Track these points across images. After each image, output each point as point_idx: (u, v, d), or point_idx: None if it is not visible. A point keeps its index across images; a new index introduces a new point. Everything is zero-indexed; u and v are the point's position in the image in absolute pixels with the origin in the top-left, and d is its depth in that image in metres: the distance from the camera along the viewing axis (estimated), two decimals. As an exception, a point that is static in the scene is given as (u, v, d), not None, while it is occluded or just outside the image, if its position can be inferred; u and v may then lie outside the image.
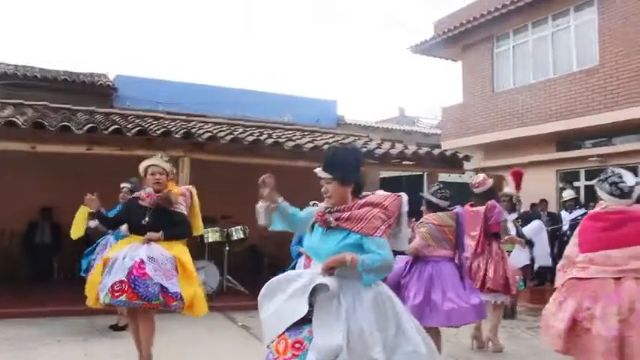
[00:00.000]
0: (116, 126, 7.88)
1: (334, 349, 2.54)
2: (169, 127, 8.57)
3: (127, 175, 6.61)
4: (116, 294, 4.20)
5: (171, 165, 4.72)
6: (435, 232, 4.85)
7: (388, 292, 2.88)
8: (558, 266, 3.86)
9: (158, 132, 8.01)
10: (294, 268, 6.78)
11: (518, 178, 8.76)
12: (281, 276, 2.96)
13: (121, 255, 4.34)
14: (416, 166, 10.35)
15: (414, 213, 4.47)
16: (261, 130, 10.32)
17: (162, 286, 4.20)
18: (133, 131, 7.85)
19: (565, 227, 9.58)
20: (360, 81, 48.55)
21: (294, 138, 9.51)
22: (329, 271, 2.71)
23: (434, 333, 4.34)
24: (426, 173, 10.72)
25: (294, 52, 47.99)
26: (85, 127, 7.59)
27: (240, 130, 9.86)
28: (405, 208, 2.92)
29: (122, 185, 6.71)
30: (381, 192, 3.01)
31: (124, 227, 6.30)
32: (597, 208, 3.73)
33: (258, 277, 7.94)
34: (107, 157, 7.99)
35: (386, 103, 53.01)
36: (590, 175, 11.86)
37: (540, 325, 3.86)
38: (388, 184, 12.93)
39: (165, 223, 4.44)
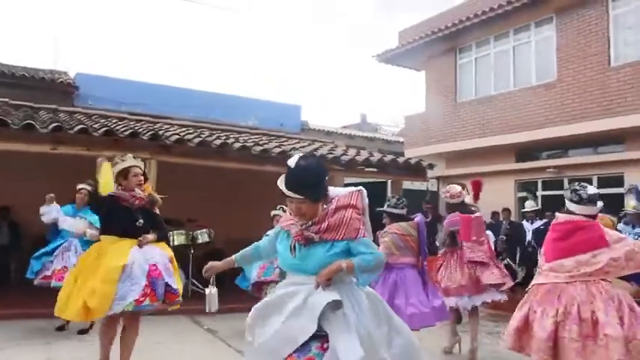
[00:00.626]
0: (82, 126, 7.76)
1: None
2: (136, 128, 8.48)
3: (92, 175, 6.53)
4: (141, 299, 4.17)
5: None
6: (398, 241, 5.21)
7: (373, 290, 2.96)
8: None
9: (125, 133, 7.92)
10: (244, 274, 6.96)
11: (477, 187, 9.00)
12: (270, 298, 2.89)
13: (132, 261, 4.22)
14: (380, 174, 10.52)
15: (376, 223, 4.61)
16: (228, 134, 10.32)
17: (167, 284, 4.30)
18: (100, 132, 7.75)
19: (529, 237, 9.91)
20: (323, 87, 48.83)
21: (261, 142, 9.54)
22: (327, 282, 2.67)
23: None
24: (390, 180, 10.92)
25: (258, 55, 47.90)
26: (50, 126, 7.44)
27: (207, 133, 9.84)
28: (366, 200, 2.92)
29: (81, 187, 6.63)
30: (338, 189, 2.97)
31: (88, 231, 6.21)
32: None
33: (221, 280, 7.91)
34: (70, 156, 7.84)
35: (348, 110, 53.35)
36: (547, 185, 12.33)
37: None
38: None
39: (154, 224, 4.49)
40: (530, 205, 10.01)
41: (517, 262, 9.97)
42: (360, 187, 2.94)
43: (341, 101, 47.43)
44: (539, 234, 9.12)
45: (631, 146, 10.68)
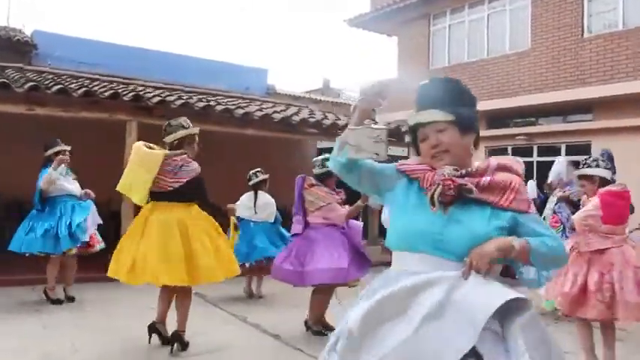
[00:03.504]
0: (60, 86, 7.39)
1: None
2: (116, 89, 8.15)
3: (69, 138, 6.24)
4: None
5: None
6: None
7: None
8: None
9: (106, 94, 7.61)
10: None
11: None
12: (383, 295, 1.71)
13: None
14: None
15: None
16: (201, 97, 10.05)
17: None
18: (79, 92, 7.41)
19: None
20: (287, 52, 48.19)
21: (242, 105, 9.36)
22: (489, 267, 1.69)
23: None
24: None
25: (223, 18, 46.59)
26: (26, 86, 7.06)
27: (186, 96, 9.55)
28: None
29: (66, 148, 6.20)
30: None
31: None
32: (615, 187, 4.17)
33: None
34: (46, 118, 7.49)
35: (311, 75, 52.80)
36: (517, 152, 12.63)
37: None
38: (327, 154, 13.10)
39: None
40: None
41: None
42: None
43: (304, 66, 47.01)
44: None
45: (599, 116, 11.05)
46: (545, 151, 12.27)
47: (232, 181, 7.50)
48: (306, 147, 13.04)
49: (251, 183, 6.81)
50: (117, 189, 4.32)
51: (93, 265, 5.91)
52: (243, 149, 10.02)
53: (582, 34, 10.88)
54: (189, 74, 14.76)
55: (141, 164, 4.19)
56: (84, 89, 7.51)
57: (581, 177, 4.35)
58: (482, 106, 12.28)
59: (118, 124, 7.84)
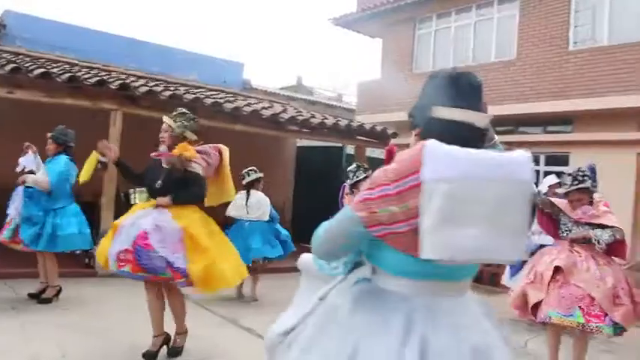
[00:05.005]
0: (43, 69, 7.02)
1: None
2: (102, 76, 7.79)
3: (52, 125, 5.92)
4: (121, 264, 3.83)
5: (185, 126, 4.07)
6: None
7: None
8: None
9: (91, 81, 7.27)
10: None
11: (389, 155, 9.15)
12: None
13: (129, 222, 3.92)
14: (345, 139, 10.43)
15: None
16: (187, 89, 9.78)
17: (167, 260, 3.80)
18: (64, 77, 7.04)
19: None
20: (262, 48, 47.66)
21: (230, 100, 9.12)
22: None
23: None
24: (354, 147, 10.87)
25: (200, 9, 45.74)
26: (8, 67, 6.66)
27: (173, 87, 9.25)
28: (441, 173, 1.60)
29: (50, 135, 5.90)
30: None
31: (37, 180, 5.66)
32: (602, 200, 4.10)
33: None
34: (26, 102, 7.09)
35: (283, 72, 52.32)
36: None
37: None
38: (305, 154, 12.96)
39: (179, 185, 4.03)
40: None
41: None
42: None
43: (278, 63, 46.63)
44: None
45: (579, 128, 11.23)
46: (524, 160, 12.40)
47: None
48: (287, 145, 12.87)
49: (244, 182, 6.61)
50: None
51: (70, 261, 5.61)
52: (231, 146, 9.76)
53: (567, 47, 11.02)
54: (164, 64, 14.37)
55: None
56: (68, 74, 7.15)
57: (582, 190, 4.29)
58: (464, 112, 12.40)
59: (102, 112, 7.50)
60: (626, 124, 10.44)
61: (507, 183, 1.41)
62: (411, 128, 1.71)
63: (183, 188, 4.02)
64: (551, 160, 11.72)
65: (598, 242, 3.83)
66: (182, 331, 4.29)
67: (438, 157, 1.39)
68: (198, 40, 44.93)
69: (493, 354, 1.52)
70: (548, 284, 3.82)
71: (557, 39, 11.14)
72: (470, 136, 1.55)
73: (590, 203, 4.13)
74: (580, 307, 3.70)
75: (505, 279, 6.68)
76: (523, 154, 1.48)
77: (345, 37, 61.41)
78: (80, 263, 7.24)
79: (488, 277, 8.47)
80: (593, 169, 5.72)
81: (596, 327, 3.66)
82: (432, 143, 1.42)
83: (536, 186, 7.21)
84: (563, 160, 11.28)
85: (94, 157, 4.29)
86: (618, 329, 3.71)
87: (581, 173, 4.27)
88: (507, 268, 6.73)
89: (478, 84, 1.64)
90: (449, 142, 1.44)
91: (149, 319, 4.21)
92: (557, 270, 3.88)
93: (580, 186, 4.25)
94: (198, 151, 4.02)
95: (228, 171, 4.32)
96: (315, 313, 1.70)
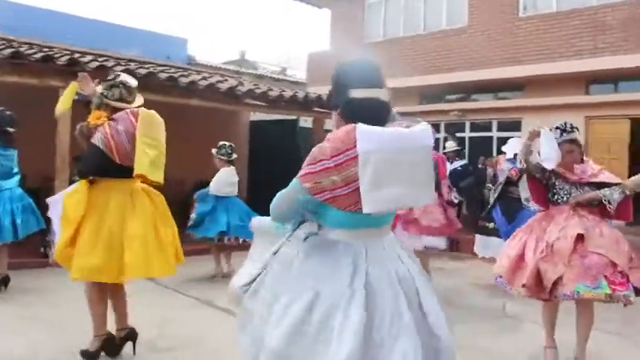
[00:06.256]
0: (-18, 45, 6.45)
1: None
2: (46, 51, 7.25)
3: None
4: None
5: (105, 95, 3.61)
6: None
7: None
8: None
9: (36, 56, 6.74)
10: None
11: None
12: None
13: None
14: (305, 111, 10.24)
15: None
16: (140, 65, 9.28)
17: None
18: (5, 53, 6.50)
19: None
20: (203, 22, 46.12)
21: (185, 74, 8.72)
22: None
23: None
24: (310, 119, 10.70)
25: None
26: (-58, 43, 6.08)
27: (118, 63, 8.75)
28: (367, 147, 1.97)
29: None
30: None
31: None
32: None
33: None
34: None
35: (227, 47, 50.78)
36: (450, 127, 12.90)
37: None
38: (259, 127, 12.68)
39: (81, 159, 3.73)
40: (450, 146, 10.31)
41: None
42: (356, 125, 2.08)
43: (219, 37, 45.25)
44: (457, 174, 9.53)
45: (530, 93, 11.49)
46: (477, 127, 12.63)
47: (180, 157, 6.96)
48: (240, 119, 12.56)
49: (231, 158, 6.49)
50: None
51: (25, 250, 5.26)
52: (187, 122, 9.43)
53: (518, 14, 11.17)
54: (104, 39, 13.64)
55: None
56: (11, 49, 6.60)
57: (573, 142, 3.96)
58: (416, 81, 12.48)
59: (49, 90, 6.99)
60: (574, 88, 10.76)
61: (415, 150, 1.90)
62: (331, 108, 2.09)
63: (82, 161, 3.71)
64: (504, 126, 11.97)
65: (609, 202, 3.53)
66: (128, 326, 3.86)
67: (368, 135, 1.84)
68: (136, 15, 43.17)
69: (414, 280, 2.03)
70: (570, 256, 3.46)
71: (507, 6, 11.28)
72: (379, 108, 1.99)
73: (582, 161, 3.88)
74: (605, 276, 3.39)
75: (477, 248, 6.72)
76: (424, 126, 1.95)
77: (289, 9, 60.37)
78: (37, 253, 6.83)
79: (454, 245, 8.60)
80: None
81: (624, 295, 3.35)
82: (361, 126, 1.86)
83: (501, 153, 7.30)
84: (516, 126, 11.54)
85: (72, 87, 3.74)
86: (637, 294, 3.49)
87: (569, 126, 3.90)
88: (477, 238, 6.77)
89: (378, 67, 2.06)
90: (364, 116, 1.92)
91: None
92: (578, 238, 3.53)
93: (569, 137, 3.89)
94: (111, 119, 3.53)
95: (142, 140, 3.53)
96: (273, 264, 2.12)
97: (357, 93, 1.97)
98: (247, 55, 28.95)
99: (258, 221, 2.48)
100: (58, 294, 5.39)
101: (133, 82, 3.74)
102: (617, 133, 10.39)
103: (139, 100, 3.78)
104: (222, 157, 6.51)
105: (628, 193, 3.67)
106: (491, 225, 6.35)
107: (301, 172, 1.90)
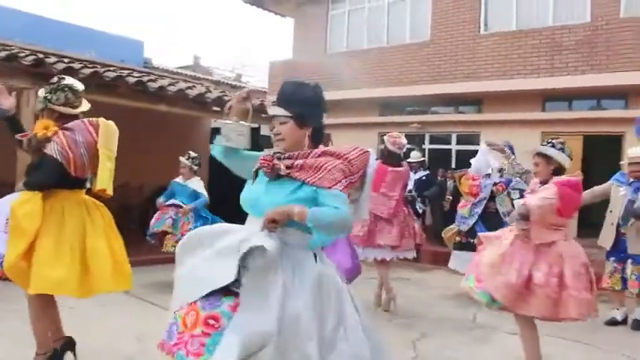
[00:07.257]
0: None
1: (262, 336, 2.00)
2: (10, 50, 6.93)
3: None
4: None
5: (48, 99, 3.41)
6: None
7: (336, 276, 2.32)
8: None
9: (1, 54, 6.44)
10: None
11: None
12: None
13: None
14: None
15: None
16: (105, 68, 8.99)
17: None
18: (-32, 52, 6.19)
19: (410, 186, 10.38)
20: (159, 27, 45.05)
21: (153, 79, 8.53)
22: (271, 225, 2.12)
23: None
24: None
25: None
26: None
27: (86, 65, 8.46)
28: (372, 167, 2.47)
29: None
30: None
31: None
32: (573, 177, 4.04)
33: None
34: None
35: (180, 52, 49.67)
36: (410, 139, 13.05)
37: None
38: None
39: (31, 169, 3.47)
40: (415, 156, 10.49)
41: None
42: (370, 149, 2.47)
43: (172, 41, 44.29)
44: (422, 184, 9.73)
45: (488, 108, 11.85)
46: (436, 139, 12.91)
47: (148, 163, 6.84)
48: (202, 126, 12.38)
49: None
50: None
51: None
52: (156, 128, 9.27)
53: (479, 31, 11.53)
54: (57, 40, 13.20)
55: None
56: (-27, 48, 6.29)
57: (540, 155, 4.00)
58: (379, 93, 12.64)
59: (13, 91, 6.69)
60: (531, 105, 11.18)
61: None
62: (299, 125, 2.31)
63: (33, 173, 3.44)
64: (463, 139, 12.28)
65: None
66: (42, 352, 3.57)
67: (371, 159, 2.43)
68: (89, 15, 41.69)
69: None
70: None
71: (469, 22, 11.61)
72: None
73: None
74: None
75: (454, 264, 6.68)
76: (369, 149, 2.44)
77: (246, 16, 59.99)
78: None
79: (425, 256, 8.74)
80: (511, 147, 5.93)
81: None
82: (370, 151, 2.43)
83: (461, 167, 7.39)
84: (474, 139, 11.86)
85: None
86: None
87: (552, 141, 4.10)
88: (454, 254, 6.76)
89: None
90: (319, 141, 2.40)
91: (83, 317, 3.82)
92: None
93: (539, 150, 4.05)
94: (65, 129, 3.35)
95: (103, 152, 3.44)
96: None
97: (324, 120, 2.42)
98: (202, 60, 28.69)
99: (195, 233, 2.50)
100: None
101: (80, 86, 3.55)
102: (571, 149, 10.82)
103: (85, 104, 3.56)
104: (195, 167, 6.60)
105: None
106: (475, 240, 6.41)
107: (343, 186, 2.27)
